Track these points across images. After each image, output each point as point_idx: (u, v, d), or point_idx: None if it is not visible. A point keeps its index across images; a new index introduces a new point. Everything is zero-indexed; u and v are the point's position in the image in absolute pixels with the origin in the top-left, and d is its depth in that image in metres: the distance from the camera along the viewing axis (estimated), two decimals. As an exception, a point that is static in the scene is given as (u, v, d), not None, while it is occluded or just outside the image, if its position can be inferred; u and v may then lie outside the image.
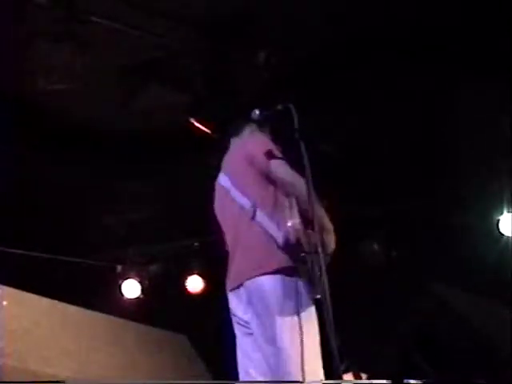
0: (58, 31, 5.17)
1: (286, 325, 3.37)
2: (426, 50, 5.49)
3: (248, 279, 3.50)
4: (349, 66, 5.72)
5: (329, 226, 3.54)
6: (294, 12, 5.27)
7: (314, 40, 5.56)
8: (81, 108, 6.20)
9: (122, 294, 7.55)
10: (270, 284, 3.43)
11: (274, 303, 3.39)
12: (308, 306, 3.40)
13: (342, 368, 4.12)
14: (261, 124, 3.86)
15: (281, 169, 3.62)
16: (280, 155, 3.66)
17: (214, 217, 3.91)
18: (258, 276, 3.46)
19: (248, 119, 3.85)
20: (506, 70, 5.25)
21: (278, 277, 3.42)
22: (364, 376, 5.45)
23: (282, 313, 3.38)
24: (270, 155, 3.63)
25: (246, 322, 3.56)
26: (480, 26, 5.28)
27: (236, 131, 3.98)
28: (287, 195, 3.54)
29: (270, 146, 3.70)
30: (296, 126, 3.45)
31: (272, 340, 3.37)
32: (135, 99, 6.15)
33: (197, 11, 5.30)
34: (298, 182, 3.49)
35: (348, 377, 5.23)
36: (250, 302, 3.52)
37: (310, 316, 3.41)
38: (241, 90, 5.75)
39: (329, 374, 3.32)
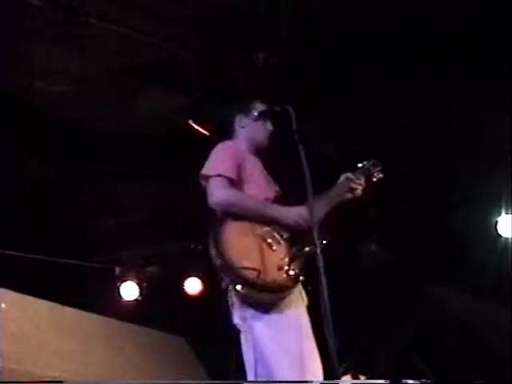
0: (57, 33, 5.17)
1: (261, 327, 3.42)
2: (426, 50, 5.49)
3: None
4: (348, 67, 5.72)
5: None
6: (294, 12, 5.26)
7: (314, 41, 5.55)
8: (80, 109, 6.19)
9: (121, 296, 7.53)
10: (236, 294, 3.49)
11: (247, 309, 3.46)
12: (272, 309, 3.44)
13: (341, 370, 4.11)
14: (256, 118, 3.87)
15: (211, 190, 3.65)
16: (228, 170, 3.64)
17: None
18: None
19: (240, 112, 3.86)
20: (506, 69, 5.25)
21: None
22: (362, 378, 5.44)
23: (255, 317, 3.44)
24: (207, 176, 3.68)
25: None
26: (480, 26, 5.28)
27: (229, 131, 3.98)
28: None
29: (227, 158, 3.70)
30: (294, 127, 3.44)
31: (256, 343, 3.43)
32: (134, 101, 6.15)
33: (197, 12, 5.29)
34: (235, 199, 3.55)
35: (347, 379, 5.22)
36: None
37: (287, 318, 3.45)
38: (240, 91, 5.74)
39: (327, 376, 3.31)
